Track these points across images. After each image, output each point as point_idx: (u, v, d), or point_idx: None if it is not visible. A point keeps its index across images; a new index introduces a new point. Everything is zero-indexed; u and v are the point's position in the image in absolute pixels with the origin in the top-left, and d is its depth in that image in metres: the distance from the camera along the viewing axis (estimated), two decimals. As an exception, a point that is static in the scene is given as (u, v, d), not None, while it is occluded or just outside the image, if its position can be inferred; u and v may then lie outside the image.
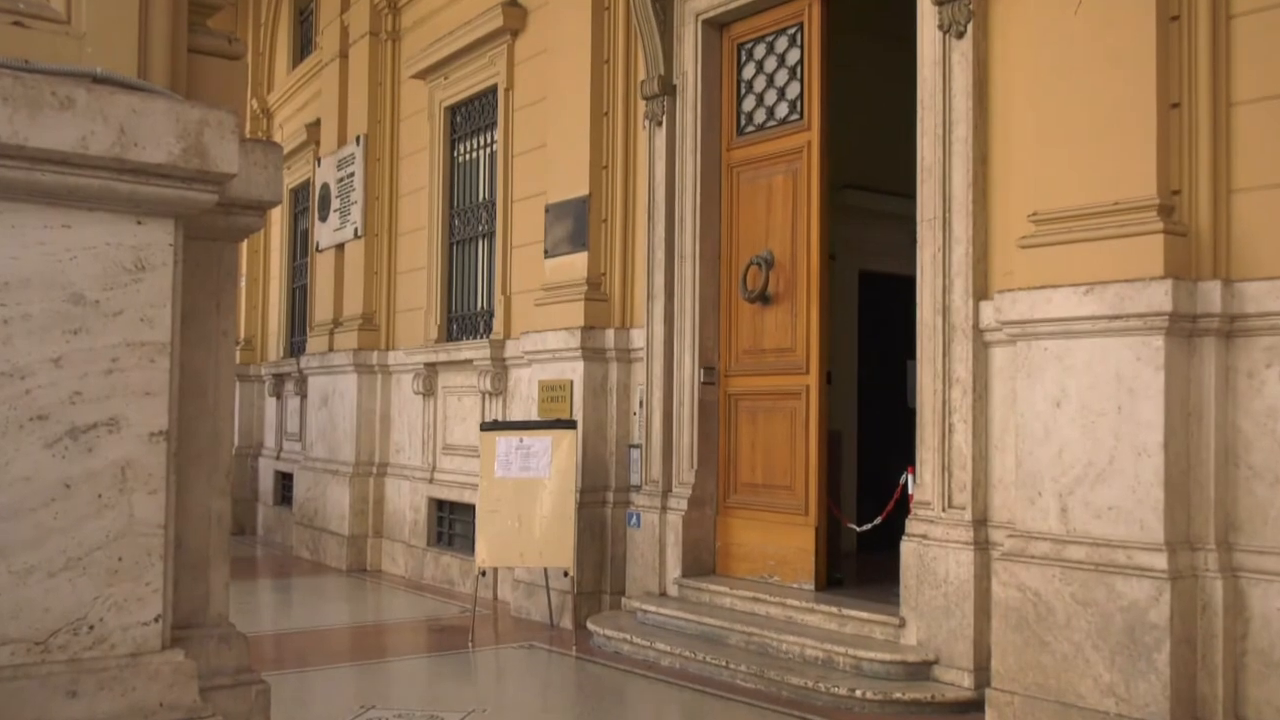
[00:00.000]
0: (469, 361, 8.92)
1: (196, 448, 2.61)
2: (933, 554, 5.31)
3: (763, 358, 6.76)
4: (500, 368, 8.56)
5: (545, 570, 7.32)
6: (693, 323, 7.00)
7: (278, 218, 13.43)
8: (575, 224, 7.65)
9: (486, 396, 8.77)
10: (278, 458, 12.97)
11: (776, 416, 6.67)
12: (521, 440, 7.08)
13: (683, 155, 7.07)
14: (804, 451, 6.54)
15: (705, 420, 6.97)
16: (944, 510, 5.35)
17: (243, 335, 13.80)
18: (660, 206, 7.14)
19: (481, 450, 7.37)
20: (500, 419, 8.42)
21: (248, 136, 2.52)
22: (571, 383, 7.49)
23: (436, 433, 9.58)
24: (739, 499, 6.86)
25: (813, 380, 6.50)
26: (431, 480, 9.50)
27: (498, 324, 8.80)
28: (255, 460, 13.57)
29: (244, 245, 12.03)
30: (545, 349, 7.74)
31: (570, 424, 7.21)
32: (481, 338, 9.07)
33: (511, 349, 8.50)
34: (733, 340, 6.98)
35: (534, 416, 7.77)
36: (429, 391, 9.53)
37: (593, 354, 7.48)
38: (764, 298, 6.61)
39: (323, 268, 11.51)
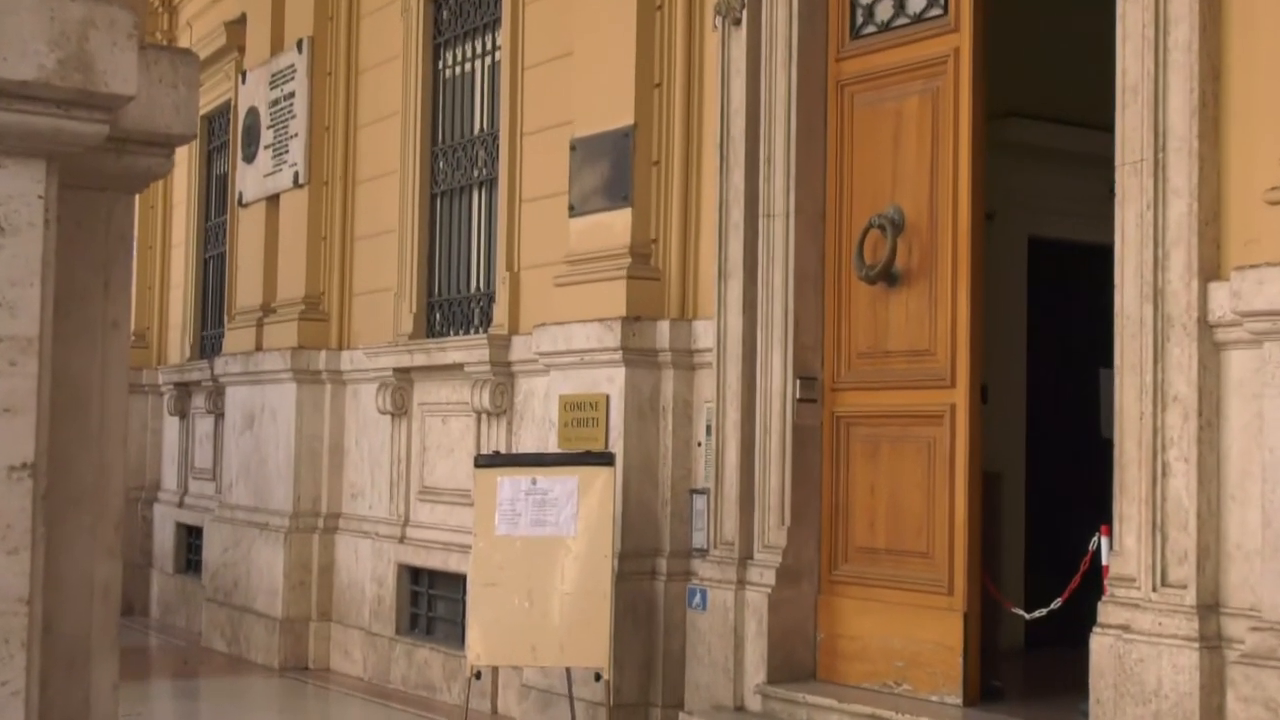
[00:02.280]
0: (458, 367, 8.91)
1: (75, 488, 2.62)
2: (1138, 654, 5.24)
3: (887, 364, 6.78)
4: (504, 376, 8.59)
5: (568, 671, 7.26)
6: (785, 313, 6.97)
7: (184, 159, 13.44)
8: (614, 168, 7.70)
9: (484, 418, 8.81)
10: (181, 504, 13.07)
11: (907, 450, 6.67)
12: (535, 482, 7.10)
13: (771, 68, 7.07)
14: (947, 501, 6.48)
15: (803, 454, 6.94)
16: (1155, 590, 5.27)
17: (133, 328, 13.92)
18: (738, 142, 7.13)
19: (476, 496, 7.34)
20: (503, 450, 8.42)
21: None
22: (607, 398, 7.49)
23: (411, 470, 9.59)
24: (852, 570, 6.86)
25: (960, 397, 6.47)
26: (403, 539, 9.51)
27: (500, 312, 8.75)
28: (149, 508, 13.61)
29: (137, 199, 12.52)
30: (570, 349, 7.73)
31: (605, 459, 7.20)
32: (477, 332, 9.05)
33: (520, 349, 8.44)
34: (843, 338, 6.96)
35: (553, 447, 7.77)
36: (400, 410, 9.57)
37: (639, 357, 7.48)
38: (889, 276, 6.64)
39: (248, 231, 11.56)
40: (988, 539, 6.76)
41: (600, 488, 7.09)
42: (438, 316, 9.68)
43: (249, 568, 10.64)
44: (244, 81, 11.61)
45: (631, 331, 7.47)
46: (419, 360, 9.35)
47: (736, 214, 7.18)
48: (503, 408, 8.61)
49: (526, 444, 8.43)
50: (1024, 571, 8.61)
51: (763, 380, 7.12)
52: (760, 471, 7.09)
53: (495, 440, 8.71)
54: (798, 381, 6.97)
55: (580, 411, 7.60)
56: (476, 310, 9.31)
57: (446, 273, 9.70)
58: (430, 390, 9.46)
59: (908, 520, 6.70)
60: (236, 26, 11.90)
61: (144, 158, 2.62)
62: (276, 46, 11.04)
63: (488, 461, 7.42)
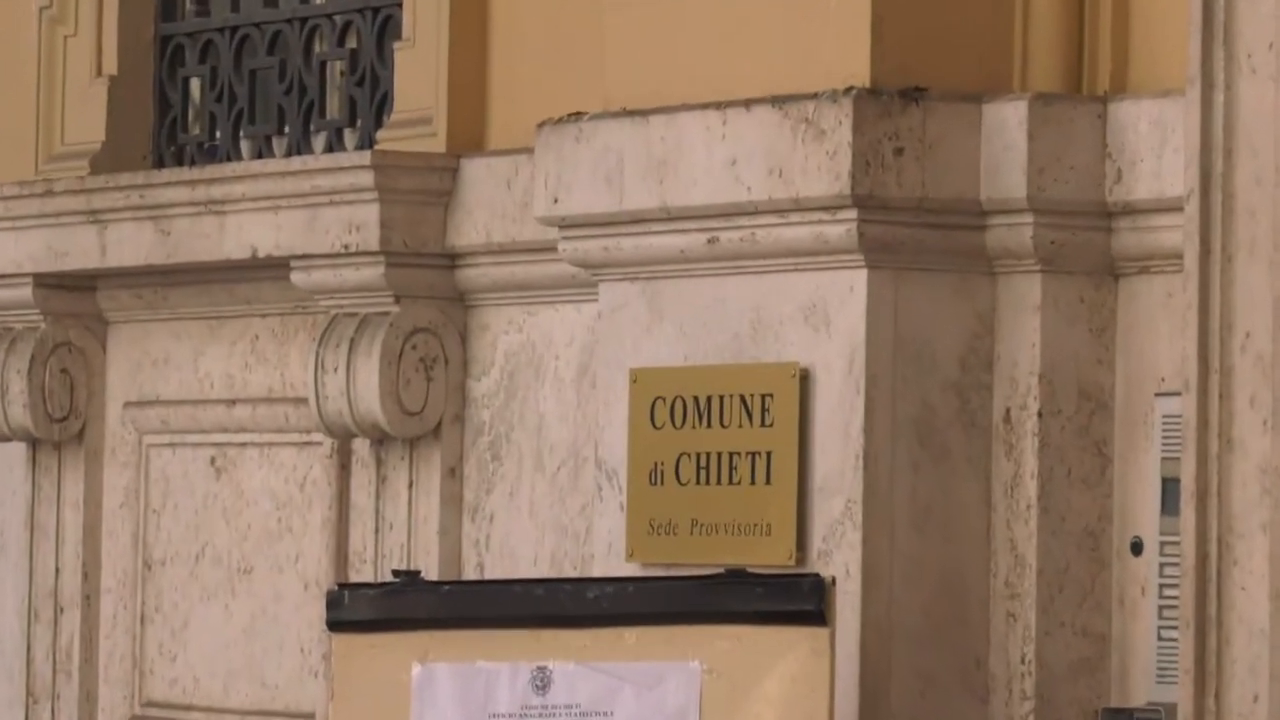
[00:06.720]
0: (275, 271, 7.83)
1: None
2: None
3: None
4: (433, 303, 7.57)
5: None
6: None
7: None
8: None
9: (359, 450, 7.78)
10: None
11: None
12: (544, 682, 6.25)
13: None
14: None
15: None
16: None
17: None
18: None
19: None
20: (430, 574, 7.51)
21: None
22: (804, 377, 6.07)
23: (96, 641, 8.74)
24: None
25: None
26: None
27: (416, 76, 7.80)
28: None
29: None
30: (676, 205, 6.50)
31: (799, 598, 6.09)
32: (333, 145, 8.05)
33: (486, 204, 7.47)
34: None
35: (612, 561, 6.96)
36: (59, 426, 8.64)
37: (916, 229, 6.29)
38: None
39: None
40: None
41: (784, 699, 5.85)
42: (193, 95, 8.27)
43: None
44: None
45: (892, 138, 5.95)
46: (120, 252, 8.13)
47: None
48: (429, 414, 7.49)
49: (515, 539, 7.35)
50: None
51: None
52: None
53: (397, 530, 7.63)
54: None
55: (711, 436, 6.46)
56: (332, 74, 8.13)
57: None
58: (170, 354, 8.16)
59: None
60: None
61: None
62: None
63: (379, 614, 6.32)
